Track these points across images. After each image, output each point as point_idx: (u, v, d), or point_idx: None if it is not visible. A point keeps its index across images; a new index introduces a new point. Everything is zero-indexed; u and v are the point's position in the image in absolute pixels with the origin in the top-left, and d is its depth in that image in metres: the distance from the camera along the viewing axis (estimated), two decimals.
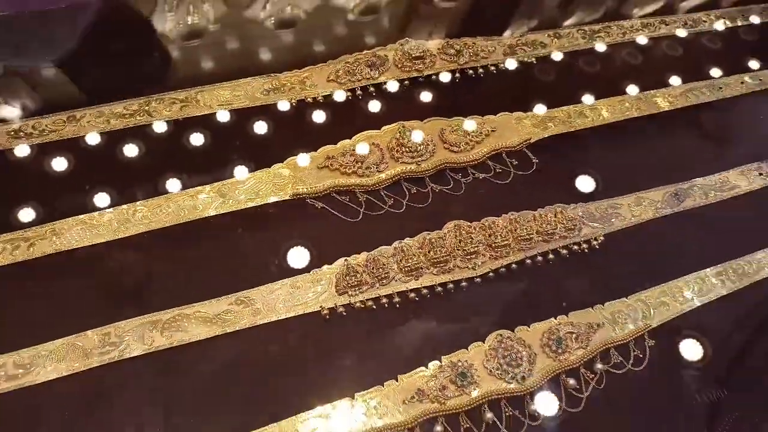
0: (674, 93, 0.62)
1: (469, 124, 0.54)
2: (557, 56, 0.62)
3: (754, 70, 0.66)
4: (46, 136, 0.51)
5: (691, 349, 0.48)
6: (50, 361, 0.41)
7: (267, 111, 0.54)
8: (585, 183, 0.55)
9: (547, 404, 0.44)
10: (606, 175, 0.55)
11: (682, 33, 0.68)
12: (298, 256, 0.47)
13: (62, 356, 0.41)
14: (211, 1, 0.63)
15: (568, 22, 0.66)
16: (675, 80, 0.63)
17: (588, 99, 0.59)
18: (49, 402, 0.40)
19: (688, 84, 0.63)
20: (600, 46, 0.64)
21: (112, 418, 0.40)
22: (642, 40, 0.66)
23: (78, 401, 0.40)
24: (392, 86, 0.57)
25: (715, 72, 0.65)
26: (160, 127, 0.52)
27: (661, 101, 0.61)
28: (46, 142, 0.51)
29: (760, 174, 0.59)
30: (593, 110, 0.59)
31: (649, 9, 0.70)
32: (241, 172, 0.50)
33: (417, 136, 0.52)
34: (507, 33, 0.63)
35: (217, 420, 0.41)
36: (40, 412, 0.40)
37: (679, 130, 0.61)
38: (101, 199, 0.48)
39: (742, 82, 0.65)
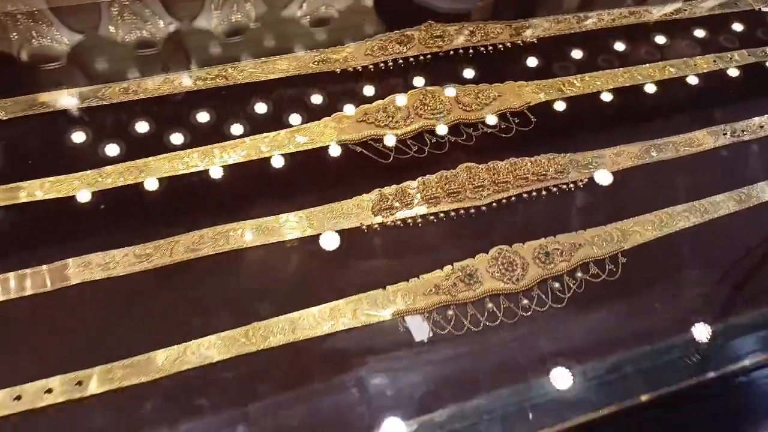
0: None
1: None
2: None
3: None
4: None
5: (658, 264, 0.60)
6: None
7: (318, 78, 0.68)
8: (575, 139, 0.67)
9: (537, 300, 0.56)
10: (591, 133, 0.68)
11: None
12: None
13: None
14: (252, 1, 0.77)
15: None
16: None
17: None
18: None
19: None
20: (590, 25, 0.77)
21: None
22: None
23: None
24: (416, 59, 0.70)
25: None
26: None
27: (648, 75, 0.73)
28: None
29: (725, 134, 0.70)
30: (582, 80, 0.71)
31: None
32: (296, 122, 0.64)
33: (437, 96, 0.66)
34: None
35: (275, 298, 0.54)
36: None
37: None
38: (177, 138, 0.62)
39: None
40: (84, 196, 0.57)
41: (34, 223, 0.56)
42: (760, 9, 0.84)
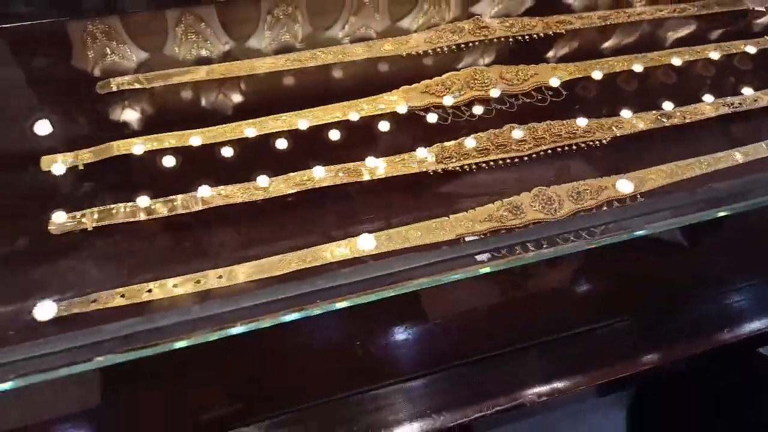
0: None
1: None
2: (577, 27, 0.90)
3: None
4: None
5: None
6: None
7: (388, 60, 0.84)
8: (599, 108, 0.82)
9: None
10: (612, 104, 0.83)
11: None
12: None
13: None
14: (301, 24, 0.93)
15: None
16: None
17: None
18: None
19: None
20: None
21: None
22: None
23: None
24: (466, 45, 0.86)
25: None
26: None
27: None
28: None
29: (724, 106, 0.84)
30: (602, 64, 0.86)
31: None
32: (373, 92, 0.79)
33: (485, 73, 0.81)
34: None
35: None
36: None
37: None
38: None
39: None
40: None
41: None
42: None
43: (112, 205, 0.66)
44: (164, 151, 0.71)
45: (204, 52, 0.83)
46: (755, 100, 0.86)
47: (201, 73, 0.79)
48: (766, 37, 0.95)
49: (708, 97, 0.85)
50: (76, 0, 0.80)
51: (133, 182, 0.69)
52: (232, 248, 0.65)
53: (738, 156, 0.78)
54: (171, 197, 0.67)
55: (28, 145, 0.71)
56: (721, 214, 0.70)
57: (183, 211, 0.66)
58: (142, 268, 0.62)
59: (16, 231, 0.64)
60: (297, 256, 0.64)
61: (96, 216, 0.65)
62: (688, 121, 0.82)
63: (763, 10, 0.99)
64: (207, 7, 0.86)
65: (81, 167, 0.68)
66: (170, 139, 0.72)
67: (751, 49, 0.92)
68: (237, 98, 0.79)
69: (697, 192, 0.72)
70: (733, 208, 0.71)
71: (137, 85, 0.77)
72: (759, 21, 0.99)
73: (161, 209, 0.66)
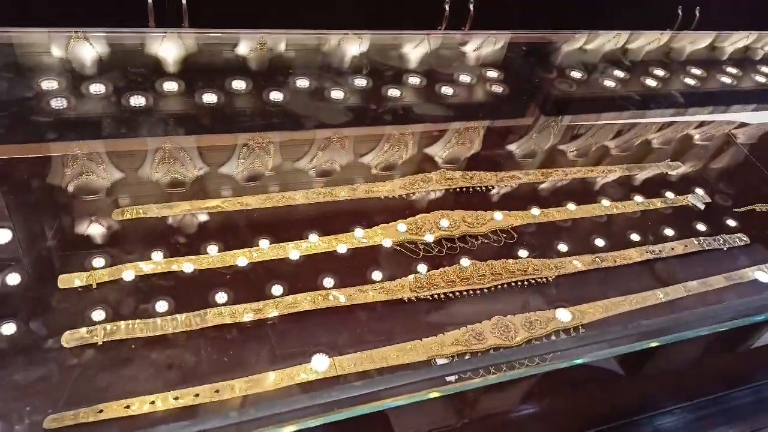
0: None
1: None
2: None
3: None
4: None
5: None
6: None
7: (368, 201, 0.98)
8: (546, 248, 0.97)
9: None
10: (557, 245, 0.98)
11: None
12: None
13: None
14: (272, 156, 1.08)
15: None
16: None
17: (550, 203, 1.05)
18: None
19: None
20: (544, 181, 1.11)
21: None
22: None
23: None
24: (434, 193, 1.02)
25: None
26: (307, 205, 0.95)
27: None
28: None
29: (648, 252, 1.01)
30: (547, 214, 1.03)
31: None
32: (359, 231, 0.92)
33: (450, 216, 0.96)
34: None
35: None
36: None
37: None
38: None
39: None
40: None
41: None
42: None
43: (120, 322, 0.73)
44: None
45: (178, 176, 0.94)
46: (672, 249, 1.03)
47: (213, 203, 0.90)
48: (680, 196, 1.15)
49: (635, 245, 1.02)
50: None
51: (139, 300, 0.77)
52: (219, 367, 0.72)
53: (660, 295, 0.93)
54: (175, 315, 0.75)
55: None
56: (653, 344, 0.83)
57: (194, 328, 0.74)
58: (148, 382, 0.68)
59: (29, 340, 0.69)
60: (284, 373, 0.72)
61: (107, 330, 0.71)
62: (618, 264, 0.98)
63: (678, 174, 1.21)
64: (186, 137, 0.99)
65: (95, 286, 0.76)
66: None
67: (668, 205, 1.12)
68: (234, 229, 0.90)
69: (628, 326, 0.86)
70: (662, 340, 0.85)
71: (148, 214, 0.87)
72: (676, 181, 1.20)
73: (167, 326, 0.74)
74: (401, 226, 0.93)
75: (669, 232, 1.07)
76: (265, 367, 0.72)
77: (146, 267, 0.80)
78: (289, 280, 0.83)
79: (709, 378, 1.11)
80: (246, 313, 0.77)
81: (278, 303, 0.79)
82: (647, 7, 1.88)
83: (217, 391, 0.69)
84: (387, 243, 0.91)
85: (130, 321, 0.73)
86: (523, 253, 0.95)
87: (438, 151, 1.11)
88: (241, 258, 0.84)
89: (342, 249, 0.89)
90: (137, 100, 1.03)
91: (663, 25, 2.14)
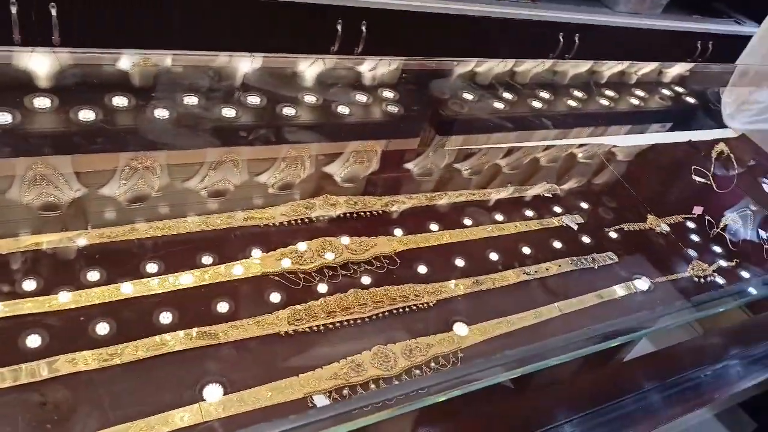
0: None
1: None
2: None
3: None
4: None
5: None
6: None
7: (246, 229, 0.94)
8: (429, 274, 0.97)
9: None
10: (441, 270, 0.99)
11: None
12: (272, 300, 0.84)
13: None
14: (159, 175, 1.03)
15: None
16: None
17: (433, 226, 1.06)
18: None
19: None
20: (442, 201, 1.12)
21: None
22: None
23: None
24: (317, 218, 1.00)
25: None
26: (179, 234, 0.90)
27: None
28: None
29: (525, 273, 1.04)
30: (433, 237, 1.04)
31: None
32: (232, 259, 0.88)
33: (333, 243, 0.94)
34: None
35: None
36: None
37: None
38: None
39: None
40: None
41: None
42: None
43: None
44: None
45: (51, 199, 0.87)
46: (547, 269, 1.08)
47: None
48: (555, 217, 1.21)
49: (512, 266, 1.05)
50: None
51: None
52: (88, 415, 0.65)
53: (533, 317, 0.96)
54: (16, 366, 0.67)
55: None
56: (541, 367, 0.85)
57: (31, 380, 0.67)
58: None
59: None
60: (146, 423, 0.66)
61: None
62: (497, 286, 1.00)
63: (555, 196, 1.27)
64: (61, 156, 0.92)
65: None
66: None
67: (544, 226, 1.17)
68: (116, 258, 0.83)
69: (497, 356, 0.88)
70: (552, 362, 0.87)
71: None
72: (552, 202, 1.26)
73: (7, 377, 0.66)
74: (280, 255, 0.90)
75: (545, 252, 1.12)
76: (121, 419, 0.66)
77: None
78: (152, 319, 0.77)
79: (598, 387, 1.17)
80: (94, 358, 0.70)
81: (139, 345, 0.73)
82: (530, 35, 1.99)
83: None
84: (264, 273, 0.88)
85: None
86: (404, 278, 0.95)
87: (335, 169, 1.09)
88: (97, 297, 0.77)
89: (215, 282, 0.84)
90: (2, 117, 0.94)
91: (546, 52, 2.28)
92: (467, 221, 1.12)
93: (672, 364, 1.13)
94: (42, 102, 0.99)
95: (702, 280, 1.18)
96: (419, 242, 1.02)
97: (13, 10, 1.33)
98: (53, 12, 1.37)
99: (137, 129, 1.03)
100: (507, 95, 1.52)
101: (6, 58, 1.01)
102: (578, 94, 1.64)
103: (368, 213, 1.05)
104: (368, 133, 1.26)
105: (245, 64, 1.21)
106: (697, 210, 1.39)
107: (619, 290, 1.10)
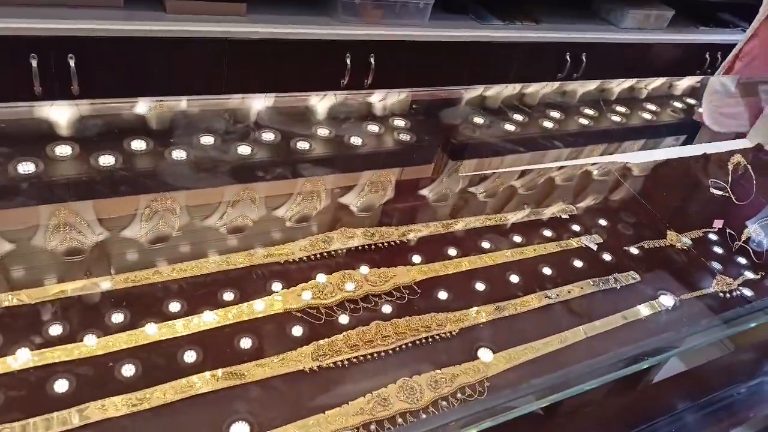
0: None
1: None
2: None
3: None
4: None
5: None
6: None
7: (267, 267, 0.95)
8: (450, 303, 0.97)
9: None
10: (461, 299, 0.99)
11: None
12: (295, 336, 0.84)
13: None
14: (178, 215, 1.05)
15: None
16: None
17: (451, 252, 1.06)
18: None
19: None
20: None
21: None
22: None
23: None
24: (336, 252, 1.00)
25: None
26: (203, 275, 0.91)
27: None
28: None
29: (546, 297, 1.04)
30: (452, 264, 1.04)
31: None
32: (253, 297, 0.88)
33: (353, 276, 0.94)
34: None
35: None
36: None
37: None
38: None
39: None
40: None
41: None
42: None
43: None
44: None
45: (75, 244, 0.89)
46: (569, 292, 1.07)
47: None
48: (571, 239, 1.20)
49: (534, 291, 1.04)
50: None
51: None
52: None
53: (558, 341, 0.95)
54: (48, 415, 0.68)
55: None
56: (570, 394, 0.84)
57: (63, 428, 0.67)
58: None
59: None
60: None
61: None
62: (519, 311, 1.00)
63: (572, 216, 1.27)
64: (83, 201, 0.94)
65: None
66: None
67: (563, 248, 1.16)
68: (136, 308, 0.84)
69: (523, 386, 0.86)
70: (581, 388, 0.86)
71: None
72: (571, 225, 1.26)
73: (39, 426, 0.66)
74: (301, 290, 0.91)
75: (566, 274, 1.11)
76: None
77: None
78: (177, 360, 0.78)
79: (630, 410, 1.14)
80: (123, 404, 0.71)
81: (167, 388, 0.74)
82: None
83: None
84: (286, 310, 0.88)
85: None
86: (426, 308, 0.95)
87: (352, 200, 1.10)
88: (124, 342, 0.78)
89: (238, 320, 0.85)
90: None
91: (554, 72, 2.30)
92: (485, 245, 1.12)
93: (703, 383, 1.10)
94: (63, 150, 1.02)
95: (728, 294, 1.16)
96: (438, 270, 1.02)
97: (34, 63, 1.38)
98: (72, 63, 1.42)
99: (156, 171, 1.05)
100: (518, 117, 1.52)
101: (27, 113, 1.05)
102: (589, 112, 1.64)
103: (386, 244, 1.05)
104: (382, 163, 1.28)
105: (258, 103, 1.24)
106: (718, 223, 1.37)
107: (644, 310, 1.08)
